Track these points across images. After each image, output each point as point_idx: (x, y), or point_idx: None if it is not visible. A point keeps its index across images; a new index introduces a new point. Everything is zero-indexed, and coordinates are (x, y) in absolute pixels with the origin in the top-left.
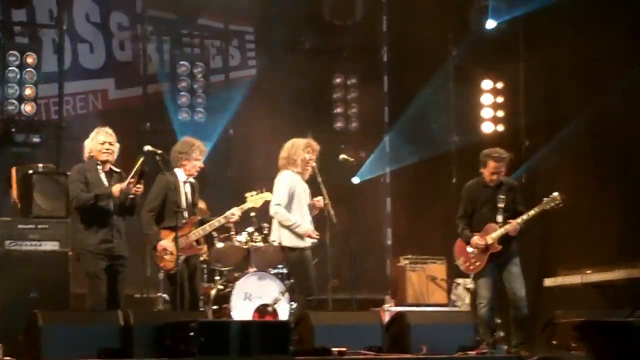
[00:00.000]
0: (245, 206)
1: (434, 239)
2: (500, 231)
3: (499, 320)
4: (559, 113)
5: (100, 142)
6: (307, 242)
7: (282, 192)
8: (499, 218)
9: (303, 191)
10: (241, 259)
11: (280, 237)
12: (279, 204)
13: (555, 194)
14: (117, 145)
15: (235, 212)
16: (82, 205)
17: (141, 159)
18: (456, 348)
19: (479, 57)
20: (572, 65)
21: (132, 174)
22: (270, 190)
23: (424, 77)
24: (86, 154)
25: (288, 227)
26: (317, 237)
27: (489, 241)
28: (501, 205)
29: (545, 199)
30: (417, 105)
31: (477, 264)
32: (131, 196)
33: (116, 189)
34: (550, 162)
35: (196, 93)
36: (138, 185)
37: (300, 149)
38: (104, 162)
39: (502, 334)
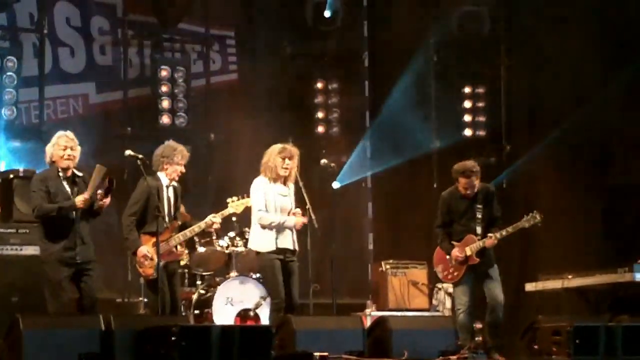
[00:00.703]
0: (226, 212)
1: (416, 244)
2: (478, 244)
3: (479, 325)
4: (541, 118)
5: (62, 148)
6: (272, 246)
7: (258, 198)
8: (478, 230)
9: (278, 195)
10: (223, 263)
11: (250, 241)
12: (260, 209)
13: (535, 213)
14: (79, 149)
15: (216, 219)
16: (44, 216)
17: (104, 171)
18: (437, 353)
19: (460, 62)
20: (554, 69)
21: (93, 185)
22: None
23: (405, 81)
24: (47, 160)
25: (278, 227)
26: (305, 220)
27: (468, 253)
28: (479, 215)
29: (525, 216)
30: (398, 109)
31: (455, 273)
32: (96, 206)
33: (79, 200)
34: (532, 167)
35: (177, 97)
36: (104, 200)
37: (275, 155)
38: (65, 169)
39: (480, 339)
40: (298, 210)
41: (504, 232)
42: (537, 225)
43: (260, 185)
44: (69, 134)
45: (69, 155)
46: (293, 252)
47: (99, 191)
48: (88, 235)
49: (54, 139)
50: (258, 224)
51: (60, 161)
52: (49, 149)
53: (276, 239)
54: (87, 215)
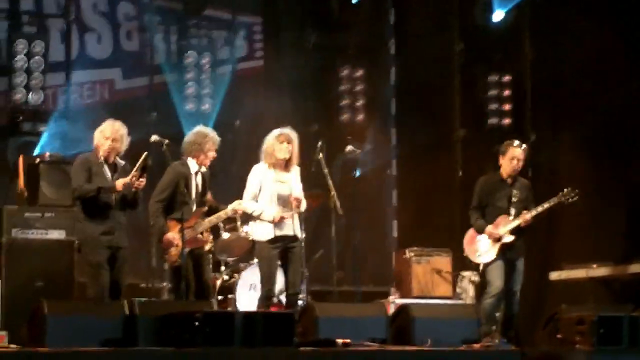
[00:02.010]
0: None
1: (440, 232)
2: (514, 222)
3: (498, 314)
4: (567, 107)
5: (105, 137)
6: (270, 235)
7: (250, 185)
8: (512, 211)
9: (275, 183)
10: (246, 249)
11: (250, 229)
12: (247, 197)
13: (570, 189)
14: (127, 139)
15: (241, 205)
16: (83, 197)
17: (145, 154)
18: (460, 341)
19: (485, 50)
20: (580, 57)
21: (135, 168)
22: None
23: (431, 70)
24: (94, 143)
25: (258, 218)
26: (288, 216)
27: (502, 232)
28: (514, 199)
29: (561, 193)
30: (424, 98)
31: (489, 254)
32: (133, 190)
33: (119, 183)
34: (557, 156)
35: (203, 84)
36: (141, 180)
37: (272, 139)
38: (106, 156)
39: (495, 328)
40: (298, 196)
41: (539, 209)
42: (572, 202)
43: (256, 172)
44: (117, 124)
45: (110, 146)
46: (294, 238)
47: (134, 172)
48: (125, 222)
49: (102, 125)
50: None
51: (100, 149)
52: (96, 132)
53: (274, 227)
54: (126, 205)
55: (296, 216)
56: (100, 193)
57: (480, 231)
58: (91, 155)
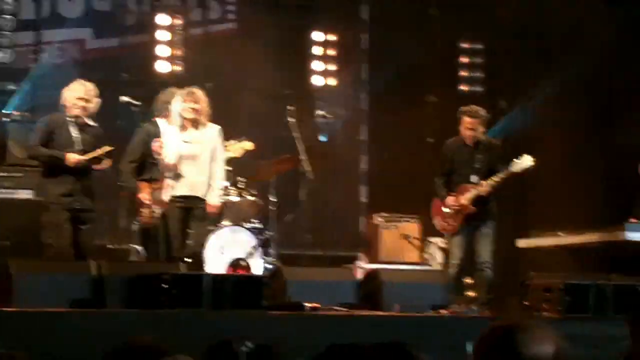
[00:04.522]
0: (226, 156)
1: (409, 197)
2: (473, 192)
3: (469, 280)
4: (539, 75)
5: (76, 97)
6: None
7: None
8: (474, 179)
9: (180, 142)
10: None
11: None
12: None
13: (526, 156)
14: (97, 100)
15: None
16: (34, 158)
17: (109, 149)
18: (429, 307)
19: (458, 17)
20: (552, 26)
21: (92, 154)
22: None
23: (404, 35)
24: (61, 102)
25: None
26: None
27: (463, 202)
28: (477, 165)
29: (516, 160)
30: (396, 63)
31: (453, 224)
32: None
33: (71, 158)
34: (527, 123)
35: (175, 45)
36: (99, 165)
37: (179, 100)
38: (75, 116)
39: (471, 294)
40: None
41: (496, 179)
42: (529, 170)
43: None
44: (89, 85)
45: (81, 106)
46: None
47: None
48: (88, 183)
49: (72, 85)
50: None
51: (71, 109)
52: (64, 91)
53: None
54: (90, 165)
55: (200, 176)
56: (51, 161)
57: (441, 201)
58: (58, 116)
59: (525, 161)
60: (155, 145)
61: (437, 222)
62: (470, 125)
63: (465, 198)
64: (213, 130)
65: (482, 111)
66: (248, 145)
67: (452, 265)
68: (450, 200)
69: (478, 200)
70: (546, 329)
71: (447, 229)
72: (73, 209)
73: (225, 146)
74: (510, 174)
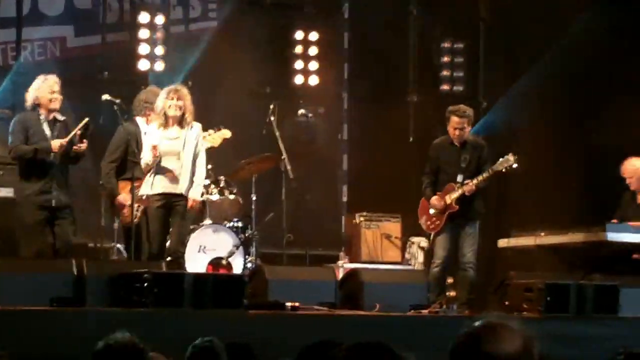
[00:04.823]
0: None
1: (390, 197)
2: (458, 192)
3: (450, 280)
4: (519, 74)
5: (52, 91)
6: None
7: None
8: (459, 178)
9: (163, 139)
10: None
11: None
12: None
13: (510, 155)
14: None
15: None
16: (20, 157)
17: (86, 120)
18: (409, 307)
19: (439, 17)
20: (532, 27)
21: (73, 132)
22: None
23: (385, 34)
24: (29, 102)
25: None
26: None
27: (448, 201)
28: (463, 165)
29: (501, 159)
30: (377, 63)
31: (437, 223)
32: (73, 151)
33: (56, 144)
34: (509, 122)
35: (156, 43)
36: (80, 145)
37: (162, 98)
38: (50, 111)
39: (452, 293)
40: (156, 144)
41: (480, 178)
42: (512, 169)
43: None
44: (53, 77)
45: (57, 98)
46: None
47: (77, 132)
48: (65, 180)
49: (39, 81)
50: None
51: (48, 104)
52: (34, 90)
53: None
54: (66, 160)
55: (180, 173)
56: (37, 154)
57: (427, 200)
58: (30, 114)
59: (510, 160)
60: (152, 151)
61: (423, 221)
62: (458, 125)
63: (450, 197)
64: (195, 128)
65: (469, 110)
66: (226, 133)
67: (433, 265)
68: (434, 200)
69: (463, 200)
70: (513, 327)
71: (431, 228)
72: (49, 206)
73: (204, 137)
74: (495, 173)
